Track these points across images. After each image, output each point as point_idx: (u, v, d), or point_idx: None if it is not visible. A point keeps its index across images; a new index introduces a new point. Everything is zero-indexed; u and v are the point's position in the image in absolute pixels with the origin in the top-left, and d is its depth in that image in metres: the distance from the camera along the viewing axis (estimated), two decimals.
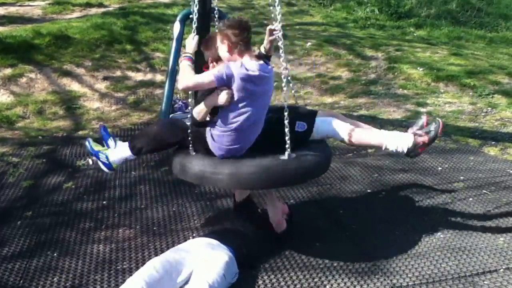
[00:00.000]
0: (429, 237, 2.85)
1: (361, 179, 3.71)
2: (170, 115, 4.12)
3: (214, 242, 2.54)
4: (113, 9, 8.38)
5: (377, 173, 3.81)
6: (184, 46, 2.67)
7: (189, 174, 2.52)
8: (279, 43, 2.51)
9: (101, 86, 5.97)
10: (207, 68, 2.71)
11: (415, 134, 2.64)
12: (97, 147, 2.81)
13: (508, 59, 7.52)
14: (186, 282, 2.32)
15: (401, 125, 4.89)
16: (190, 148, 2.56)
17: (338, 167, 3.91)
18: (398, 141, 2.63)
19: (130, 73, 6.27)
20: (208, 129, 2.55)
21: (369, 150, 4.23)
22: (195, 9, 2.73)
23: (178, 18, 4.07)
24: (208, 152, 2.55)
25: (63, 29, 6.89)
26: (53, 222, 3.12)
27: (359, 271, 2.54)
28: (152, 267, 2.27)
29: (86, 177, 3.79)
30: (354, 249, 2.76)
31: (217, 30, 2.54)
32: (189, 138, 2.52)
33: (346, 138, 2.64)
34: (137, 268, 2.42)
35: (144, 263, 2.37)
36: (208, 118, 2.59)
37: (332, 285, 2.43)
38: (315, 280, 2.46)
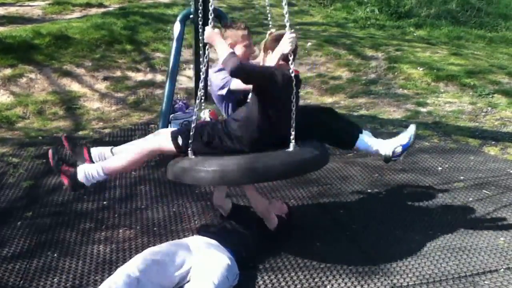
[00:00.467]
0: (429, 237, 2.85)
1: (361, 179, 3.71)
2: (171, 115, 4.12)
3: (214, 242, 2.54)
4: (113, 9, 8.38)
5: (377, 173, 3.81)
6: (206, 45, 2.59)
7: (187, 176, 2.50)
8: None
9: (101, 86, 5.97)
10: None
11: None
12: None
13: (508, 59, 7.52)
14: (184, 278, 2.32)
15: (402, 125, 4.89)
16: (189, 150, 2.53)
17: (338, 167, 3.91)
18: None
19: (130, 73, 6.27)
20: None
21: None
22: (200, 7, 2.72)
23: (178, 18, 4.06)
24: (207, 153, 2.54)
25: (63, 29, 6.88)
26: (53, 222, 3.12)
27: (359, 271, 2.54)
28: (148, 254, 2.29)
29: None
30: (354, 249, 2.76)
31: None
32: (189, 141, 2.50)
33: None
34: None
35: None
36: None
37: (332, 285, 2.43)
38: (315, 280, 2.46)
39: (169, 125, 4.06)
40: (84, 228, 3.05)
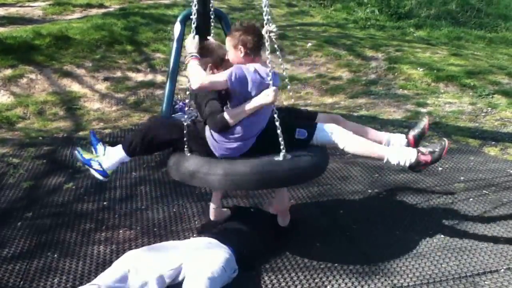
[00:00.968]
0: (429, 237, 2.85)
1: (362, 179, 3.72)
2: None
3: (214, 241, 2.54)
4: (114, 9, 8.39)
5: (378, 174, 3.81)
6: (184, 47, 2.66)
7: (184, 174, 2.52)
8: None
9: (102, 86, 5.97)
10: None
11: (418, 152, 2.55)
12: (87, 155, 2.72)
13: (508, 59, 7.53)
14: (178, 274, 2.33)
15: (402, 125, 4.90)
16: (185, 148, 2.55)
17: (338, 167, 3.91)
18: (400, 156, 2.55)
19: (131, 74, 6.28)
20: (207, 127, 2.54)
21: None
22: (195, 9, 2.72)
23: (178, 19, 4.06)
24: (203, 152, 2.55)
25: (64, 29, 6.89)
26: (53, 223, 3.12)
27: (360, 271, 2.54)
28: (140, 250, 2.37)
29: (86, 178, 3.78)
30: (354, 249, 2.76)
31: (230, 34, 2.52)
32: (184, 138, 2.51)
33: (345, 149, 2.58)
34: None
35: None
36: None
37: (332, 285, 2.43)
38: (316, 280, 2.46)
39: None
40: (84, 228, 3.05)
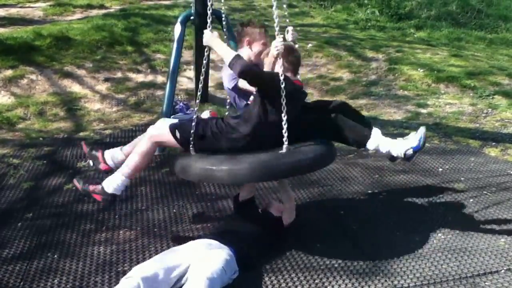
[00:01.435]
0: (430, 238, 2.85)
1: (362, 180, 3.71)
2: (171, 116, 4.12)
3: (214, 242, 2.54)
4: (114, 10, 8.39)
5: (378, 174, 3.80)
6: (207, 48, 2.62)
7: (191, 173, 2.58)
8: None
9: (102, 87, 5.97)
10: None
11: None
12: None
13: (508, 60, 7.52)
14: (181, 277, 2.32)
15: (402, 126, 4.90)
16: (191, 147, 2.60)
17: (339, 168, 3.91)
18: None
19: (131, 75, 6.28)
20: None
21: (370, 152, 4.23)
22: (211, 8, 2.73)
23: (179, 20, 4.07)
24: (209, 151, 2.59)
25: (64, 30, 6.89)
26: (53, 223, 3.12)
27: (360, 272, 2.54)
28: (149, 264, 2.30)
29: (86, 179, 3.78)
30: (354, 250, 2.76)
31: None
32: (191, 138, 2.57)
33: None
34: None
35: None
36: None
37: (333, 286, 2.42)
38: (316, 281, 2.46)
39: None
40: (84, 229, 3.05)
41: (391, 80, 6.44)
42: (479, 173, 3.79)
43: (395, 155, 2.67)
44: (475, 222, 3.04)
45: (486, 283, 2.42)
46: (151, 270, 2.24)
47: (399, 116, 5.27)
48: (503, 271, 2.52)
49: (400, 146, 2.66)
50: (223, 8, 3.33)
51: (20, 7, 8.65)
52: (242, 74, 2.42)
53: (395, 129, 4.79)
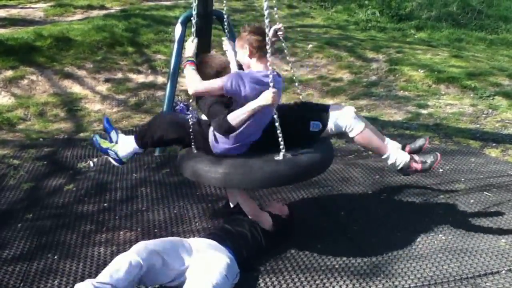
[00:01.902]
0: (430, 238, 2.85)
1: (362, 180, 3.71)
2: None
3: (214, 243, 2.54)
4: (115, 11, 8.40)
5: (378, 175, 3.80)
6: (184, 49, 2.72)
7: (187, 171, 2.62)
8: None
9: (103, 88, 5.97)
10: None
11: (412, 158, 2.71)
12: (105, 144, 2.89)
13: (509, 61, 7.53)
14: (180, 276, 2.32)
15: (402, 126, 4.90)
16: (192, 145, 2.64)
17: (339, 168, 3.91)
18: (398, 156, 2.71)
19: (132, 75, 6.28)
20: (211, 129, 2.59)
21: (370, 152, 4.23)
22: (194, 12, 2.75)
23: (179, 20, 4.07)
24: (209, 151, 2.61)
25: (65, 31, 6.90)
26: (53, 224, 3.12)
27: (361, 272, 2.53)
28: (151, 245, 2.32)
29: (87, 179, 3.79)
30: (355, 250, 2.75)
31: (239, 35, 2.61)
32: (191, 136, 2.61)
33: (356, 136, 2.66)
34: None
35: None
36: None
37: (333, 286, 2.42)
38: (316, 282, 2.46)
39: None
40: (84, 230, 3.05)
41: (392, 81, 6.44)
42: (479, 174, 3.79)
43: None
44: (475, 223, 3.03)
45: (487, 284, 2.42)
46: (156, 254, 2.26)
47: (400, 117, 5.26)
48: (503, 271, 2.52)
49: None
50: (224, 8, 3.34)
51: (21, 7, 8.66)
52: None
53: (395, 130, 4.79)
